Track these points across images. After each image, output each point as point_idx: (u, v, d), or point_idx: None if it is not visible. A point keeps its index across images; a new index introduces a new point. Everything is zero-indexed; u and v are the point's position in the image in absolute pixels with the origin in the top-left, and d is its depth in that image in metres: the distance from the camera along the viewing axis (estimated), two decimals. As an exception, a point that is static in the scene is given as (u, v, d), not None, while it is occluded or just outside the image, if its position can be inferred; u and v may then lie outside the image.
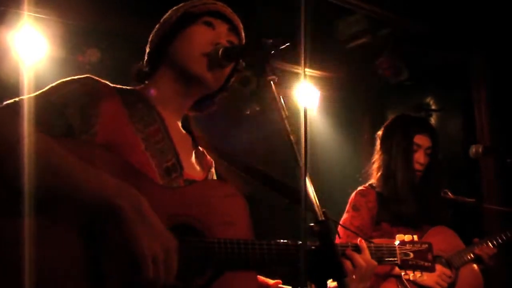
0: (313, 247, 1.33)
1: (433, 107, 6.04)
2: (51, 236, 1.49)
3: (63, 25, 4.94)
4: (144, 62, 2.07)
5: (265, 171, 2.03)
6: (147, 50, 2.07)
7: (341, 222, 3.45)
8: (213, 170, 2.19)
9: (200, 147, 2.16)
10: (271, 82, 1.57)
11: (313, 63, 6.10)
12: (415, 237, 2.23)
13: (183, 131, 2.10)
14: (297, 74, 6.21)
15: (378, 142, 3.72)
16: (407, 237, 2.21)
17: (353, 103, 6.68)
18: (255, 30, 2.26)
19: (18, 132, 1.51)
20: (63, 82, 1.81)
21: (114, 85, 1.93)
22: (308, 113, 6.16)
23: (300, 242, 1.40)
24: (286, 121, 1.50)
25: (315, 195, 1.40)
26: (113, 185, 1.53)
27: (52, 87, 1.78)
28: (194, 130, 2.14)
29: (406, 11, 5.02)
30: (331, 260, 1.29)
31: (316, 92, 6.25)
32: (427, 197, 3.54)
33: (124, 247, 1.50)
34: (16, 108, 1.66)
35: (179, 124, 2.08)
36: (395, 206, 3.44)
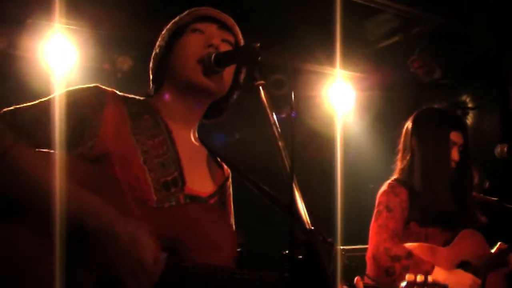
0: (299, 257, 1.28)
1: (469, 105, 5.88)
2: (34, 247, 1.50)
3: (93, 34, 4.98)
4: (150, 88, 2.07)
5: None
6: (150, 77, 2.07)
7: (376, 224, 3.29)
8: (229, 182, 2.15)
9: (218, 158, 2.12)
10: (260, 87, 1.52)
11: (346, 64, 6.03)
12: (430, 278, 2.09)
13: (196, 143, 2.06)
14: (329, 75, 6.16)
15: (406, 136, 3.53)
16: (419, 277, 2.08)
17: (388, 102, 6.55)
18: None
19: (5, 143, 1.51)
20: (68, 92, 1.81)
21: (123, 94, 1.93)
22: (342, 113, 6.13)
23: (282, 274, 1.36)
24: (274, 127, 1.46)
25: (303, 203, 1.35)
26: (87, 205, 1.54)
27: (56, 97, 1.78)
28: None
29: (437, 8, 4.89)
30: (317, 271, 1.24)
31: (351, 92, 6.19)
32: (463, 197, 3.37)
33: (104, 265, 1.52)
34: (9, 118, 1.67)
35: (191, 135, 2.05)
36: (432, 204, 3.27)
